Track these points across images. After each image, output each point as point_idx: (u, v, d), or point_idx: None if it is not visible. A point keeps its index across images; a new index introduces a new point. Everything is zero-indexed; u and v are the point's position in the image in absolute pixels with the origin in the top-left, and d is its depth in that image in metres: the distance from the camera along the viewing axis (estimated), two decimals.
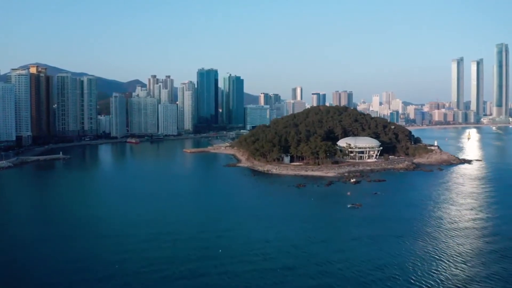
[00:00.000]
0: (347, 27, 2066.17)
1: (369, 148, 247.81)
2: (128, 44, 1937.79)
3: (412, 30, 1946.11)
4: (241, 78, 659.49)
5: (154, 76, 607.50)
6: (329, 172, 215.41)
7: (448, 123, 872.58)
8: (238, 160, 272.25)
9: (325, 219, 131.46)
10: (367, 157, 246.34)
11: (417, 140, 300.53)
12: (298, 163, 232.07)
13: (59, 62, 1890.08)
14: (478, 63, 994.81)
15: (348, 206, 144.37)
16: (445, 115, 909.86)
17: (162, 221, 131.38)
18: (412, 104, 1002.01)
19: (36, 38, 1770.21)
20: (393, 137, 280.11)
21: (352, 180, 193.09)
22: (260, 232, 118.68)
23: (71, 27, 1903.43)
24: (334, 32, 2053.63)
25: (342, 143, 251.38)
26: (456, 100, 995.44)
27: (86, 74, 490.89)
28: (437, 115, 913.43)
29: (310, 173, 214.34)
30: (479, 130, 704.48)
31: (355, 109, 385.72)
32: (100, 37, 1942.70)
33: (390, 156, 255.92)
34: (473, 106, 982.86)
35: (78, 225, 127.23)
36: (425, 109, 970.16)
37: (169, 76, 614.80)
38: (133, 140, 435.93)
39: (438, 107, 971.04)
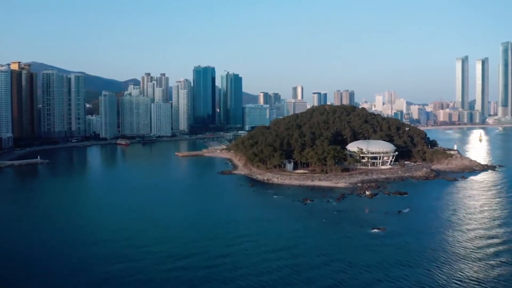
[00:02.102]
0: (349, 26, 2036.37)
1: (383, 153, 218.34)
2: (127, 43, 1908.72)
3: (415, 29, 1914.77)
4: (240, 76, 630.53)
5: (148, 74, 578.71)
6: (339, 182, 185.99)
7: (453, 123, 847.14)
8: (235, 166, 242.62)
9: (345, 250, 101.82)
10: (380, 164, 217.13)
11: (433, 143, 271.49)
12: (302, 171, 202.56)
13: (57, 61, 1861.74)
14: (483, 62, 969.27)
15: (370, 230, 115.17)
16: (450, 115, 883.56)
17: (132, 247, 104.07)
18: (414, 104, 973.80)
19: (34, 38, 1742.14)
20: (408, 140, 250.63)
21: (367, 193, 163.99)
22: (260, 268, 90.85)
23: (69, 26, 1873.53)
24: (335, 31, 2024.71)
25: (352, 147, 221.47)
26: (460, 100, 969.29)
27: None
28: (442, 115, 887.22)
29: (317, 183, 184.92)
30: (486, 131, 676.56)
31: (364, 108, 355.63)
32: (98, 35, 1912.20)
33: (405, 162, 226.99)
34: (478, 106, 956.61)
35: (28, 251, 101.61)
36: (428, 109, 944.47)
37: (164, 74, 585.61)
38: (123, 142, 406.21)
39: (442, 107, 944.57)
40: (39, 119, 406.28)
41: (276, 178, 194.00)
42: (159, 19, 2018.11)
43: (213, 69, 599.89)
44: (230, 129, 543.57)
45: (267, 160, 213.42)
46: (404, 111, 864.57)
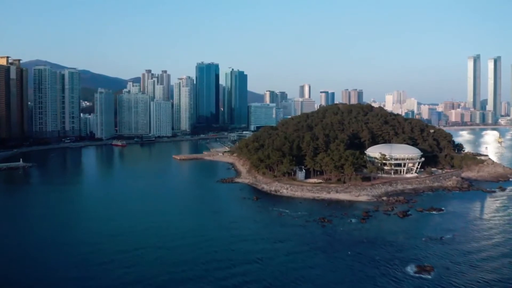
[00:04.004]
0: (356, 25, 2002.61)
1: (409, 159, 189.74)
2: (131, 40, 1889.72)
3: (426, 27, 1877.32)
4: (245, 73, 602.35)
5: (149, 71, 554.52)
6: (360, 194, 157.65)
7: (465, 123, 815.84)
8: (237, 173, 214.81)
9: None
10: (405, 171, 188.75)
11: (459, 147, 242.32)
12: (316, 180, 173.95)
13: (61, 59, 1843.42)
14: (495, 61, 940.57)
15: (412, 271, 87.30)
16: (462, 115, 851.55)
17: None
18: (424, 104, 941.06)
19: (38, 36, 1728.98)
20: (434, 144, 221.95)
21: (396, 210, 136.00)
22: None
23: (73, 25, 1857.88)
24: (342, 30, 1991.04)
25: (373, 152, 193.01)
26: (472, 100, 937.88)
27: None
28: (453, 116, 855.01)
29: (334, 196, 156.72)
30: (499, 132, 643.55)
31: (382, 108, 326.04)
32: (102, 34, 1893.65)
33: (432, 169, 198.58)
34: (489, 106, 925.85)
35: None
36: (439, 109, 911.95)
37: (165, 71, 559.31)
38: (119, 143, 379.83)
39: (453, 107, 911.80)
40: (30, 118, 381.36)
41: (285, 189, 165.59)
42: (164, 16, 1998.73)
43: (217, 66, 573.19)
44: (234, 129, 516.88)
45: (275, 166, 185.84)
46: (415, 111, 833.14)
